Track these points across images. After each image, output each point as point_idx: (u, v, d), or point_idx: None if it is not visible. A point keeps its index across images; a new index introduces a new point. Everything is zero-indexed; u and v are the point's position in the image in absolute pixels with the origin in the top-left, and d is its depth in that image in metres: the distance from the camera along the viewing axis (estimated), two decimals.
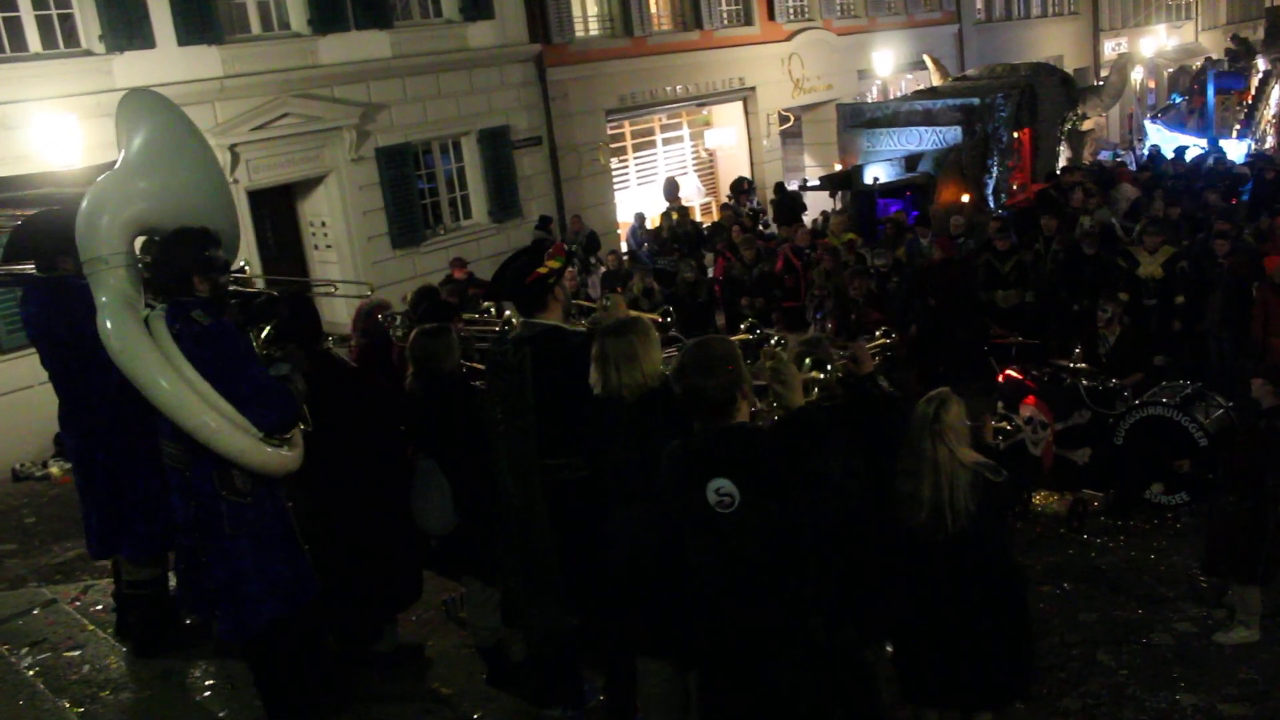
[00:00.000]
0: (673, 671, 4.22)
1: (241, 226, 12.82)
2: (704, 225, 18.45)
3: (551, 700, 4.87)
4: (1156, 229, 11.45)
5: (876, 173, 16.82)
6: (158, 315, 4.16)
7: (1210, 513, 7.29)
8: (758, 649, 3.45)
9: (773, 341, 4.55)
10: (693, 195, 21.15)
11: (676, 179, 19.90)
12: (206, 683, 5.16)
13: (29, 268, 5.01)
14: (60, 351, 4.93)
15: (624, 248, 17.31)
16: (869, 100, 22.90)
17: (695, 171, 22.05)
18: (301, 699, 4.64)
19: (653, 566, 3.96)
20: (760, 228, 16.98)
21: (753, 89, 21.74)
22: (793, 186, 19.74)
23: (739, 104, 21.94)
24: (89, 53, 12.19)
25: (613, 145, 19.67)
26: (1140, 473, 8.50)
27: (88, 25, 12.18)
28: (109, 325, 4.09)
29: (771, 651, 3.43)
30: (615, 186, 19.69)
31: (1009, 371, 9.50)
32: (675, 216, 17.55)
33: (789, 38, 22.38)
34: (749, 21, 21.67)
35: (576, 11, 18.43)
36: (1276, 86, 24.11)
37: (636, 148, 20.97)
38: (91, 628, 5.78)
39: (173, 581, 5.45)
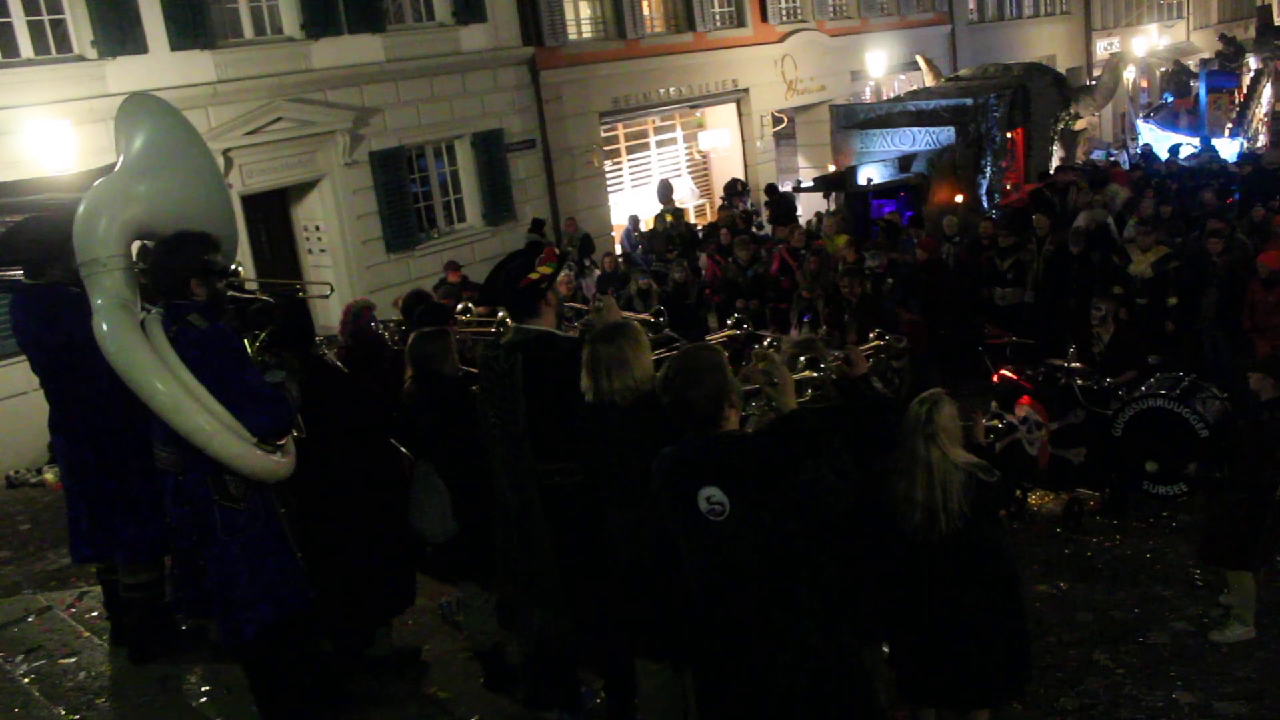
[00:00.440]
0: (672, 673, 4.22)
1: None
2: (698, 227, 18.47)
3: (549, 703, 4.87)
4: (1149, 228, 11.48)
5: (870, 174, 16.83)
6: (154, 318, 4.15)
7: (1211, 505, 7.31)
8: (752, 653, 3.45)
9: (765, 343, 4.55)
10: (687, 197, 21.17)
11: (670, 181, 19.92)
12: (203, 688, 5.15)
13: (17, 274, 4.99)
14: (49, 357, 4.92)
15: (619, 250, 17.31)
16: (862, 101, 22.91)
17: (689, 173, 22.06)
18: (297, 704, 4.64)
19: (650, 569, 3.96)
20: (754, 229, 16.97)
21: (746, 91, 21.76)
22: (786, 188, 19.75)
23: (732, 106, 21.96)
24: (81, 58, 12.18)
25: (606, 148, 19.68)
26: (1139, 466, 8.49)
27: (80, 31, 12.17)
28: (105, 327, 4.08)
29: (766, 655, 3.43)
30: (609, 189, 19.69)
31: (1004, 371, 9.50)
32: (669, 218, 17.56)
33: (782, 39, 22.40)
34: (742, 23, 21.69)
35: (569, 14, 18.43)
36: (1268, 85, 24.19)
37: (630, 150, 20.97)
38: (87, 634, 5.77)
39: (169, 586, 5.45)
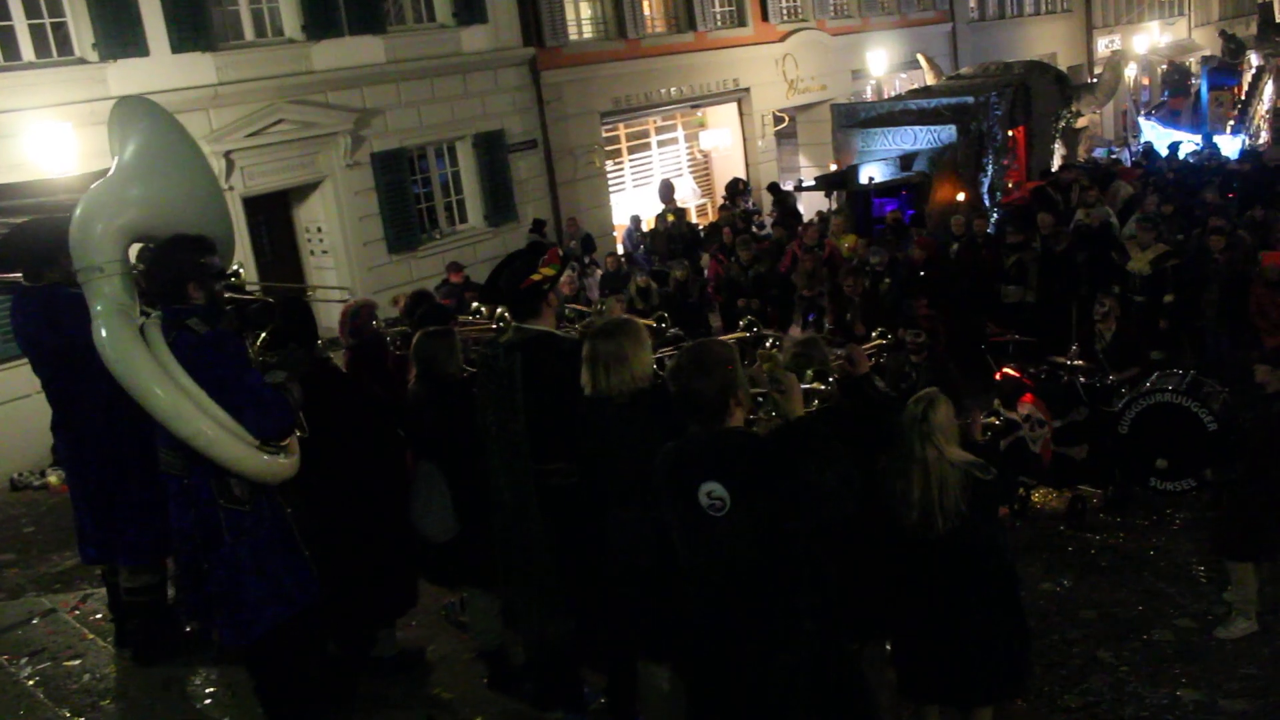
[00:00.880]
0: (673, 673, 4.22)
1: (237, 233, 12.88)
2: (700, 226, 18.46)
3: (552, 703, 4.87)
4: (1149, 225, 11.48)
5: (872, 172, 16.82)
6: (153, 323, 4.14)
7: (1224, 499, 7.32)
8: (749, 651, 3.45)
9: (768, 344, 4.55)
10: (688, 197, 21.16)
11: (672, 181, 19.91)
12: (207, 690, 5.16)
13: (16, 276, 5.00)
14: (50, 359, 4.92)
15: (620, 250, 17.32)
16: (863, 100, 22.91)
17: (690, 173, 22.06)
18: (302, 705, 4.64)
19: (649, 568, 3.96)
20: (755, 229, 16.98)
21: (747, 90, 21.75)
22: (788, 187, 19.74)
23: (733, 105, 21.95)
24: (83, 61, 12.18)
25: (608, 148, 19.67)
26: (1146, 463, 8.47)
27: (81, 34, 12.18)
28: (104, 334, 4.08)
29: (763, 653, 3.43)
30: (611, 189, 19.69)
31: (1006, 369, 9.50)
32: (671, 218, 17.56)
33: (783, 38, 22.39)
34: (742, 23, 21.69)
35: (570, 14, 18.43)
36: (1269, 82, 24.16)
37: (631, 150, 20.97)
38: (91, 636, 5.77)
39: (172, 589, 5.46)
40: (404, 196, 15.64)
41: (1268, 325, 10.03)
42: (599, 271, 15.39)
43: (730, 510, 3.34)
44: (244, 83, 13.40)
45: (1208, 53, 32.68)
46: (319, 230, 15.07)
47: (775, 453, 3.38)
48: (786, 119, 23.46)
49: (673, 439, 3.54)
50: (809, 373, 4.31)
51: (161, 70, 12.55)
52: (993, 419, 5.44)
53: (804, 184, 19.68)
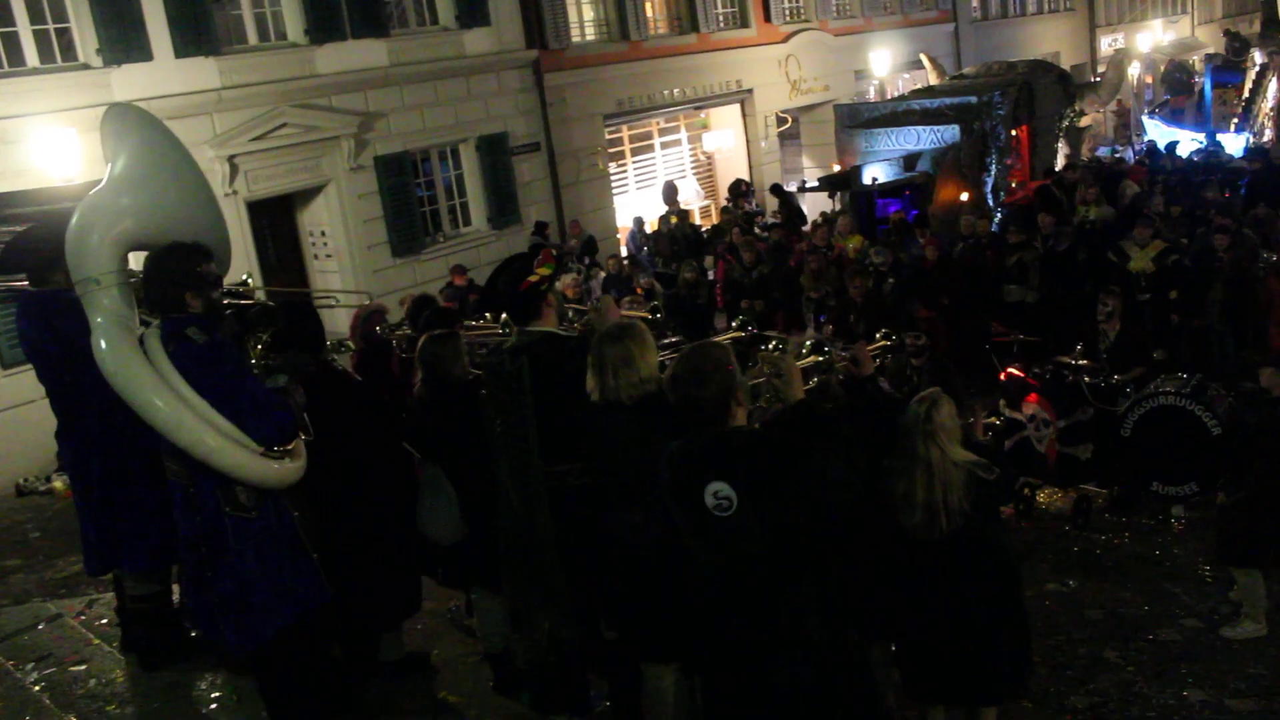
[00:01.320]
0: (677, 675, 4.21)
1: (241, 238, 12.93)
2: (703, 228, 18.45)
3: (557, 707, 4.87)
4: (1146, 223, 11.45)
5: (875, 173, 16.82)
6: (153, 333, 4.12)
7: (1227, 503, 7.30)
8: (758, 650, 3.45)
9: (771, 345, 4.54)
10: (691, 198, 21.16)
11: (675, 182, 19.93)
12: (213, 695, 5.16)
13: (21, 281, 5.00)
14: (53, 365, 4.92)
15: (624, 252, 17.32)
16: (866, 101, 22.90)
17: (694, 175, 22.06)
18: (308, 709, 4.64)
19: (654, 570, 3.96)
20: (758, 230, 16.98)
21: (750, 91, 21.75)
22: (791, 188, 19.73)
23: (736, 106, 21.95)
24: (86, 66, 12.21)
25: (611, 150, 19.68)
26: (1149, 465, 8.46)
27: (85, 39, 12.21)
28: (103, 346, 4.06)
29: (772, 652, 3.43)
30: (614, 191, 19.70)
31: (1011, 369, 9.49)
32: (674, 220, 17.57)
33: (785, 39, 22.39)
34: (745, 24, 21.69)
35: (573, 17, 18.44)
36: (1273, 80, 24.10)
37: (635, 152, 20.97)
38: (97, 642, 5.78)
39: (178, 594, 5.46)
40: (408, 200, 15.65)
41: (1277, 319, 10.00)
42: (602, 274, 15.39)
43: (737, 510, 3.34)
44: (247, 87, 13.42)
45: (1211, 50, 32.62)
46: (323, 234, 15.09)
47: (779, 447, 3.38)
48: (789, 120, 23.46)
49: (678, 440, 3.54)
50: (806, 346, 4.31)
51: (165, 75, 12.58)
52: (994, 419, 5.44)
53: (807, 185, 19.68)
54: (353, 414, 4.97)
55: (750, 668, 3.47)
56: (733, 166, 21.92)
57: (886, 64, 24.68)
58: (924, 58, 23.04)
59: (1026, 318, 11.40)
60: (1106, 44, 33.83)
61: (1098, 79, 24.87)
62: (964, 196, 16.18)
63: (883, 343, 5.69)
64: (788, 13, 22.67)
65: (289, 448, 4.34)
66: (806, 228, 16.84)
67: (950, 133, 16.91)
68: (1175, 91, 28.31)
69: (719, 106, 21.80)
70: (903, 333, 8.40)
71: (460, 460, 4.97)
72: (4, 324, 11.17)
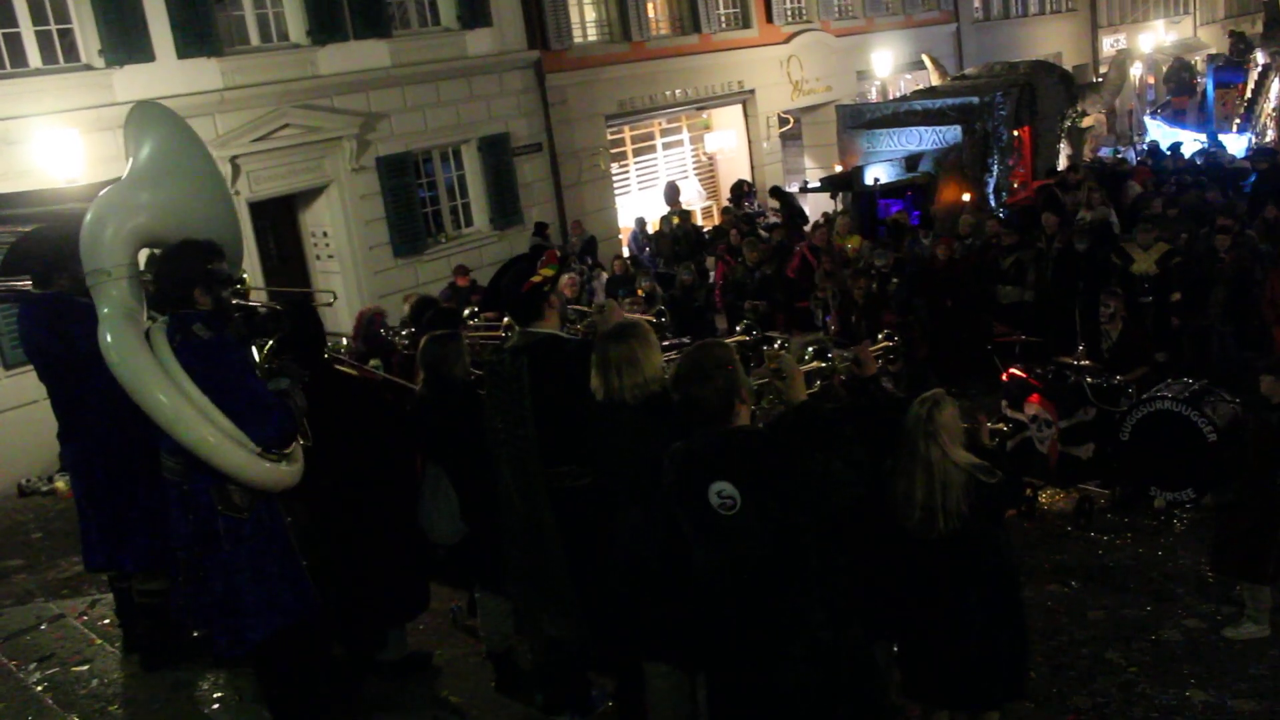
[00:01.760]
0: (679, 675, 4.21)
1: (243, 238, 12.92)
2: (705, 230, 18.44)
3: (560, 707, 4.87)
4: (1150, 225, 11.45)
5: (877, 173, 16.81)
6: (159, 328, 4.15)
7: (1220, 510, 7.28)
8: (763, 648, 3.46)
9: (776, 345, 4.55)
10: (693, 199, 21.15)
11: (677, 183, 19.91)
12: (215, 695, 5.16)
13: (25, 283, 5.01)
14: (57, 367, 4.92)
15: (625, 252, 17.32)
16: (868, 101, 22.89)
17: (696, 175, 22.05)
18: (309, 709, 4.64)
19: (657, 570, 3.96)
20: (761, 231, 16.97)
21: (752, 92, 21.74)
22: (793, 188, 19.71)
23: (738, 107, 21.94)
24: (89, 67, 12.22)
25: (613, 150, 19.68)
26: (1147, 468, 8.47)
27: (87, 40, 12.21)
28: (109, 338, 4.09)
29: (776, 651, 3.43)
30: (616, 192, 19.69)
31: (1013, 370, 9.49)
32: (676, 220, 17.57)
33: (787, 40, 22.39)
34: (747, 24, 21.68)
35: (575, 17, 18.44)
36: (1276, 80, 24.06)
37: (637, 152, 20.97)
38: (99, 642, 5.78)
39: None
40: (409, 200, 15.65)
41: (1276, 317, 9.98)
42: (604, 274, 15.39)
43: (741, 509, 3.35)
44: (249, 87, 13.43)
45: (1213, 51, 32.60)
46: (325, 235, 15.09)
47: (782, 446, 3.39)
48: (791, 120, 23.46)
49: (682, 440, 3.55)
50: (809, 351, 4.31)
51: (167, 76, 12.58)
52: (1000, 424, 5.43)
53: (809, 185, 19.67)
54: (355, 415, 4.98)
55: (755, 667, 3.48)
56: (735, 167, 21.91)
57: (888, 64, 24.67)
58: (926, 58, 23.03)
59: (1028, 318, 11.40)
60: (1109, 44, 33.81)
61: (1100, 79, 24.88)
62: (966, 197, 16.18)
63: (885, 343, 5.70)
64: (789, 13, 22.66)
65: (287, 451, 4.34)
66: (808, 228, 16.83)
67: (952, 133, 16.90)
68: (1178, 91, 28.28)
69: (721, 107, 21.79)
70: (893, 334, 8.39)
71: (461, 460, 4.98)
72: (6, 325, 11.18)
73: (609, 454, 4.13)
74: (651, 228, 17.71)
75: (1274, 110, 23.88)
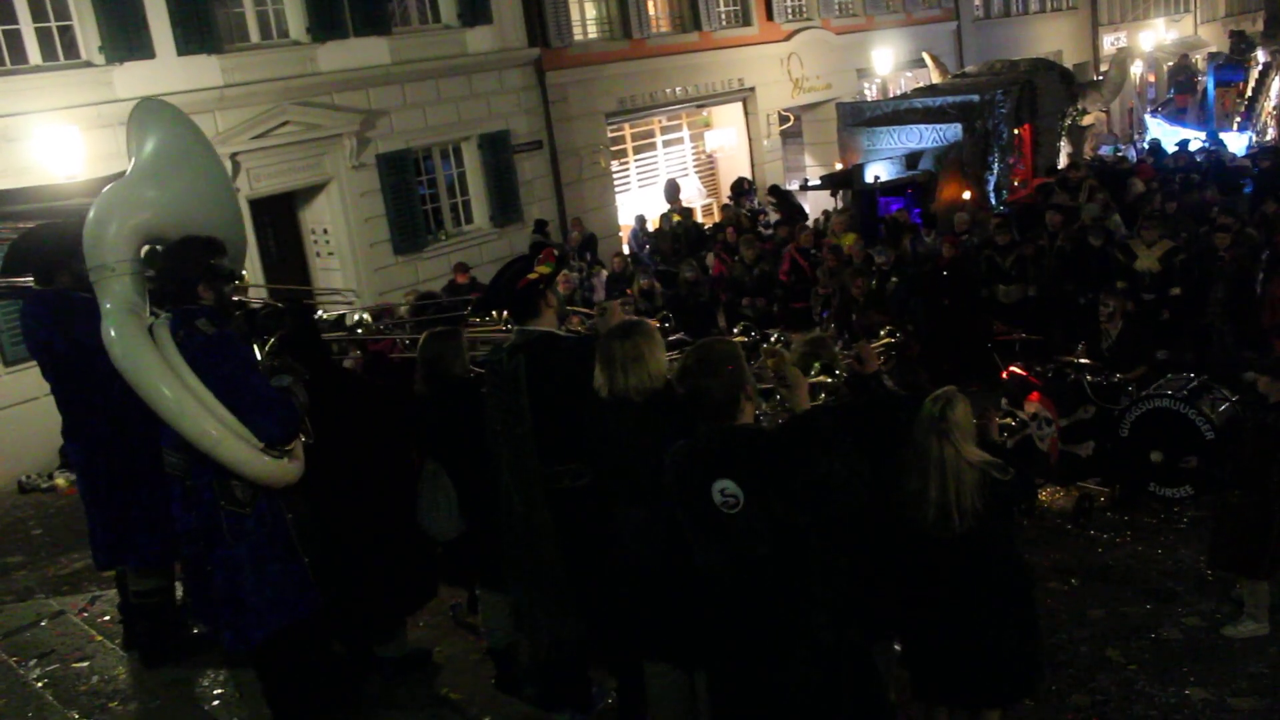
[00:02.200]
0: (680, 673, 4.21)
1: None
2: (706, 226, 18.44)
3: (560, 704, 4.87)
4: (1154, 223, 11.45)
5: (877, 171, 16.80)
6: (162, 323, 4.16)
7: (1217, 507, 7.28)
8: (764, 648, 3.45)
9: (773, 340, 4.55)
10: (694, 197, 21.15)
11: (677, 181, 19.90)
12: (215, 692, 5.17)
13: (28, 281, 5.01)
14: (60, 364, 4.93)
15: (625, 250, 17.32)
16: (869, 99, 22.89)
17: (696, 173, 22.04)
18: (309, 706, 4.64)
19: (659, 568, 3.96)
20: (760, 229, 16.97)
21: (752, 89, 21.74)
22: (793, 186, 19.68)
23: (739, 105, 21.93)
24: (89, 64, 12.21)
25: (613, 148, 19.67)
26: (1145, 466, 8.47)
27: (87, 37, 12.20)
28: (113, 333, 4.10)
29: (778, 650, 3.43)
30: (616, 189, 19.68)
31: (1013, 368, 9.49)
32: (676, 218, 17.56)
33: (788, 38, 22.38)
34: (747, 22, 21.67)
35: (575, 15, 18.43)
36: (1276, 78, 24.08)
37: (637, 150, 20.97)
38: (99, 639, 5.79)
39: (180, 591, 5.47)
40: (410, 198, 15.65)
41: (1274, 318, 9.98)
42: (604, 272, 15.40)
43: (744, 507, 3.35)
44: (250, 85, 13.42)
45: (1214, 49, 32.60)
46: (325, 232, 15.09)
47: (785, 447, 3.38)
48: (792, 118, 23.45)
49: (685, 439, 3.54)
50: (815, 366, 4.31)
51: (167, 73, 12.57)
52: (1008, 419, 5.41)
53: (809, 183, 19.66)
54: (356, 411, 4.98)
55: (756, 667, 3.48)
56: (735, 165, 21.90)
57: (889, 62, 24.66)
58: (926, 56, 23.02)
59: (1028, 316, 11.40)
60: (1109, 43, 33.79)
61: (1100, 77, 24.87)
62: (966, 195, 16.18)
63: (886, 340, 5.70)
64: (790, 11, 22.65)
65: (289, 447, 4.35)
66: (809, 225, 16.83)
67: (953, 131, 16.90)
68: (1181, 89, 28.30)
69: (721, 105, 21.78)
70: (894, 331, 8.40)
71: (460, 457, 4.98)
72: (6, 322, 11.18)
73: (613, 451, 4.13)
74: (652, 225, 17.72)
75: (1274, 109, 23.90)
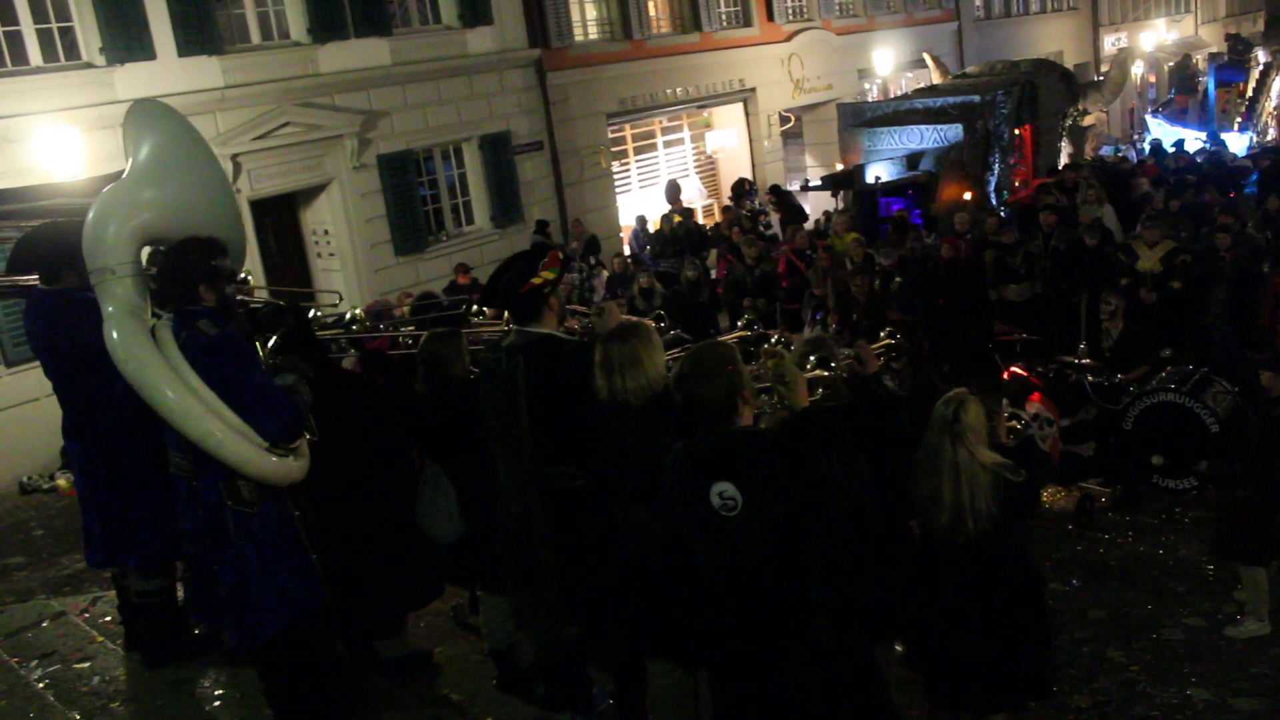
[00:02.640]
0: (682, 673, 4.21)
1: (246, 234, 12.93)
2: (706, 227, 18.45)
3: (561, 705, 4.87)
4: (1156, 223, 11.45)
5: (878, 172, 16.81)
6: (164, 324, 4.16)
7: (1221, 500, 7.29)
8: (764, 650, 3.45)
9: (774, 340, 4.54)
10: (694, 197, 21.15)
11: (678, 181, 19.90)
12: (216, 692, 5.17)
13: (33, 280, 5.01)
14: (63, 364, 4.93)
15: (626, 251, 17.32)
16: (869, 99, 22.89)
17: (697, 174, 22.04)
18: (311, 707, 4.64)
19: (659, 569, 3.96)
20: (761, 229, 16.97)
21: (753, 90, 21.74)
22: (794, 187, 19.67)
23: (739, 105, 21.93)
24: (90, 65, 12.21)
25: (614, 149, 19.67)
26: (1149, 460, 8.46)
27: (88, 38, 12.21)
28: (115, 335, 4.10)
29: (778, 652, 3.42)
30: (617, 190, 19.69)
31: (1014, 368, 9.49)
32: (677, 219, 17.56)
33: (788, 38, 22.38)
34: (748, 23, 21.67)
35: (575, 16, 18.43)
36: (1277, 79, 24.08)
37: (638, 151, 20.97)
38: (101, 639, 5.78)
39: (181, 591, 5.47)
40: (411, 198, 15.66)
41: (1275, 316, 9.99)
42: (605, 273, 15.40)
43: (743, 510, 3.34)
44: (250, 85, 13.43)
45: (1214, 49, 32.60)
46: (326, 233, 15.09)
47: (784, 448, 3.38)
48: (792, 119, 23.45)
49: (683, 441, 3.54)
50: (812, 359, 4.30)
51: (168, 74, 12.58)
52: (1015, 421, 5.38)
53: (810, 184, 19.66)
54: (356, 410, 4.98)
55: (756, 669, 3.47)
56: (735, 165, 21.89)
57: (890, 63, 24.67)
58: (927, 56, 23.02)
59: (1029, 316, 11.40)
60: (1110, 43, 33.79)
61: (1101, 78, 24.87)
62: (967, 195, 16.18)
63: (886, 341, 5.70)
64: (790, 11, 22.65)
65: (293, 446, 4.35)
66: (809, 226, 16.83)
67: (953, 132, 16.89)
68: (1183, 89, 28.31)
69: (722, 105, 21.78)
70: (894, 332, 8.39)
71: (460, 458, 4.98)
72: (8, 322, 11.18)
73: (612, 454, 4.12)
74: (652, 226, 17.72)
75: (1275, 109, 23.90)
